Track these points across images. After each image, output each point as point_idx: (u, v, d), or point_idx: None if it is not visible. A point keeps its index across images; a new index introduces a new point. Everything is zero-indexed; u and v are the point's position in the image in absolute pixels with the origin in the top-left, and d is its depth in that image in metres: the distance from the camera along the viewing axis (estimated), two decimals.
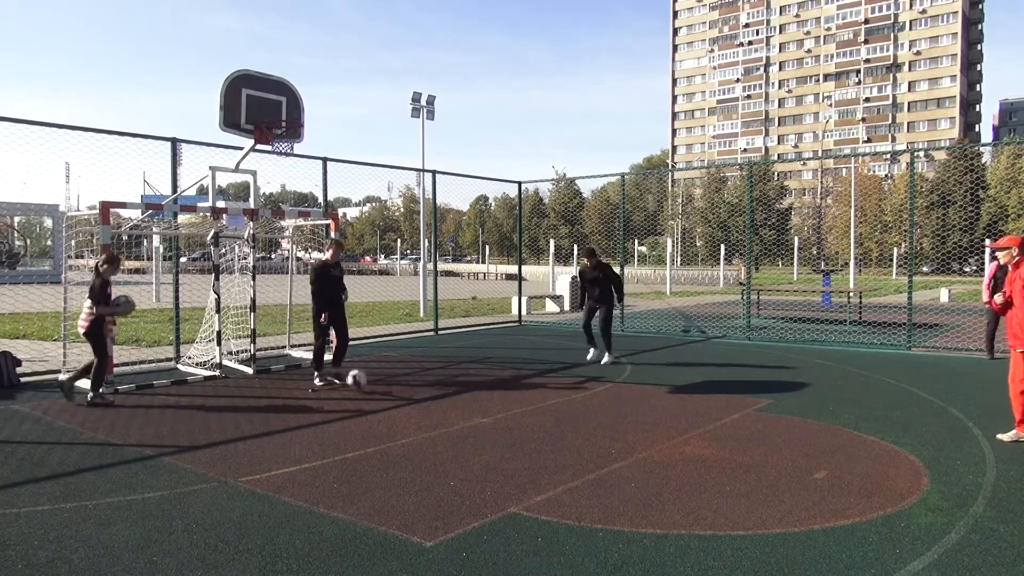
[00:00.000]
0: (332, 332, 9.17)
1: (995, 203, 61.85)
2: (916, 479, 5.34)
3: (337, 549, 4.08)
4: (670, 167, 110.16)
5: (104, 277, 7.97)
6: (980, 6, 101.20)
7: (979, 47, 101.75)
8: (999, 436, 6.59)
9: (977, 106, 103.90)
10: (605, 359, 11.07)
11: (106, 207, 8.59)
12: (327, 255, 9.09)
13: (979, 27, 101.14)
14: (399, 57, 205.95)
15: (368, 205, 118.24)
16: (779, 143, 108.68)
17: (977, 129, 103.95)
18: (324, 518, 4.55)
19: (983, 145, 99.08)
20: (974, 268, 52.33)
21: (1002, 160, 64.73)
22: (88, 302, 7.95)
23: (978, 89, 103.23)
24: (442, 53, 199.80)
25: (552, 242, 30.11)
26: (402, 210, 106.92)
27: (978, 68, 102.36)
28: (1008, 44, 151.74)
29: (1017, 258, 6.57)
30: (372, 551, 4.06)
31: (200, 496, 4.97)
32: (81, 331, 8.03)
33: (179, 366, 10.51)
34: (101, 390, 8.00)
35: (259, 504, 4.81)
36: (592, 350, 11.35)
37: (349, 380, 8.58)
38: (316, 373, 9.04)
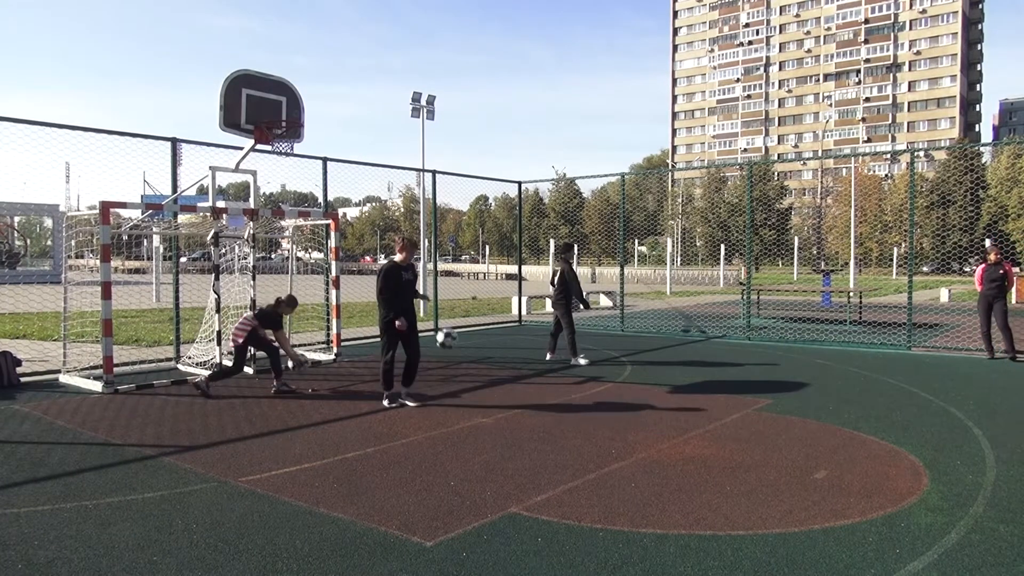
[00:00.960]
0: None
1: (995, 203, 61.86)
2: (916, 479, 5.34)
3: (337, 549, 4.08)
4: (670, 167, 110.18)
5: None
6: (980, 6, 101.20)
7: (979, 47, 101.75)
8: None
9: (977, 106, 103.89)
10: (583, 361, 10.96)
11: (106, 207, 8.59)
12: (398, 256, 8.01)
13: (979, 27, 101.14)
14: (399, 57, 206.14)
15: (368, 205, 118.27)
16: (779, 143, 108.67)
17: (977, 129, 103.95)
18: (324, 518, 4.55)
19: (983, 145, 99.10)
20: (974, 268, 52.33)
21: (1002, 160, 64.73)
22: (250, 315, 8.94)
23: (978, 89, 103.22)
24: (442, 53, 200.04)
25: (552, 242, 30.10)
26: (402, 210, 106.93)
27: (978, 68, 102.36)
28: (1008, 44, 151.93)
29: None
30: (372, 551, 4.06)
31: (200, 496, 4.97)
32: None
33: (179, 366, 10.51)
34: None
35: (259, 504, 4.81)
36: (581, 358, 11.00)
37: (440, 338, 8.87)
38: (385, 394, 7.95)
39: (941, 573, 3.78)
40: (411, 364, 8.02)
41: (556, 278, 11.32)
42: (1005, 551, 4.06)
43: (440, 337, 8.84)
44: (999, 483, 5.27)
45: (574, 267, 11.55)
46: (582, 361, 10.92)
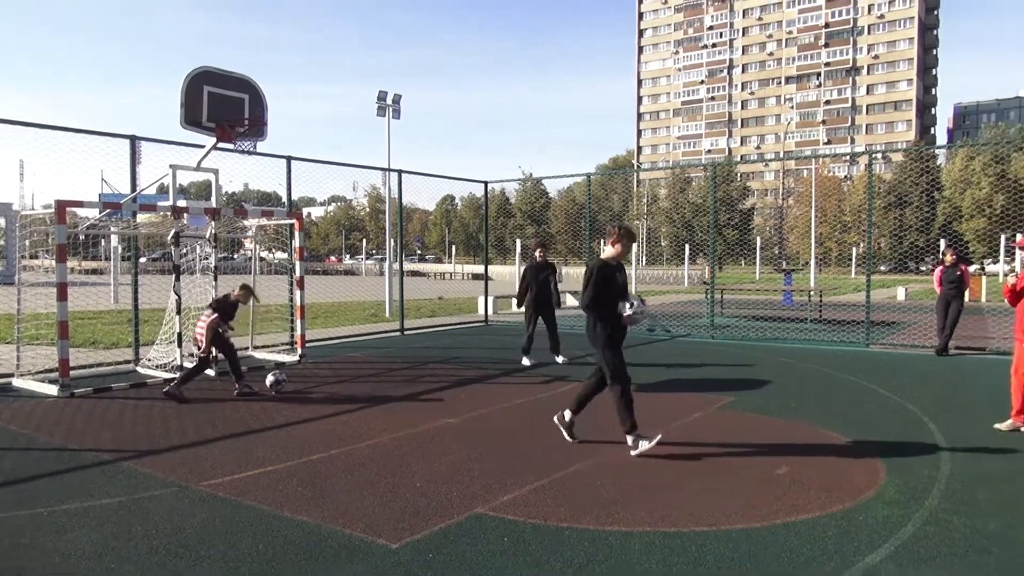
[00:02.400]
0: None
1: (950, 204, 63.48)
2: (874, 473, 5.46)
3: (301, 552, 4.04)
4: (635, 167, 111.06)
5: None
6: (936, 12, 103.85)
7: (935, 52, 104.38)
8: (996, 425, 6.87)
9: (932, 109, 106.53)
10: (561, 360, 11.01)
11: (62, 206, 8.38)
12: (609, 250, 6.45)
13: (934, 32, 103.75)
14: (365, 55, 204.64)
15: (333, 204, 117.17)
16: (742, 144, 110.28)
17: (932, 132, 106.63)
18: (288, 521, 4.50)
19: (938, 147, 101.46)
20: (930, 267, 53.60)
21: (956, 162, 66.46)
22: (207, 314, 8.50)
23: (933, 93, 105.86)
24: (409, 52, 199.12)
25: (519, 242, 30.15)
26: (368, 210, 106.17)
27: (933, 72, 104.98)
28: (962, 49, 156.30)
29: None
30: (337, 554, 4.03)
31: (160, 501, 4.88)
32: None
33: (138, 368, 10.31)
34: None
35: (221, 508, 4.74)
36: (527, 359, 10.89)
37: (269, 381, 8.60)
38: (635, 434, 6.11)
39: (898, 565, 3.87)
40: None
41: (546, 277, 10.93)
42: (958, 542, 4.18)
43: (270, 379, 8.56)
44: (952, 476, 5.41)
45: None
46: (527, 362, 10.83)
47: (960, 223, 60.85)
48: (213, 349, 8.56)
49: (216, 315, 8.43)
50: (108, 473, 5.51)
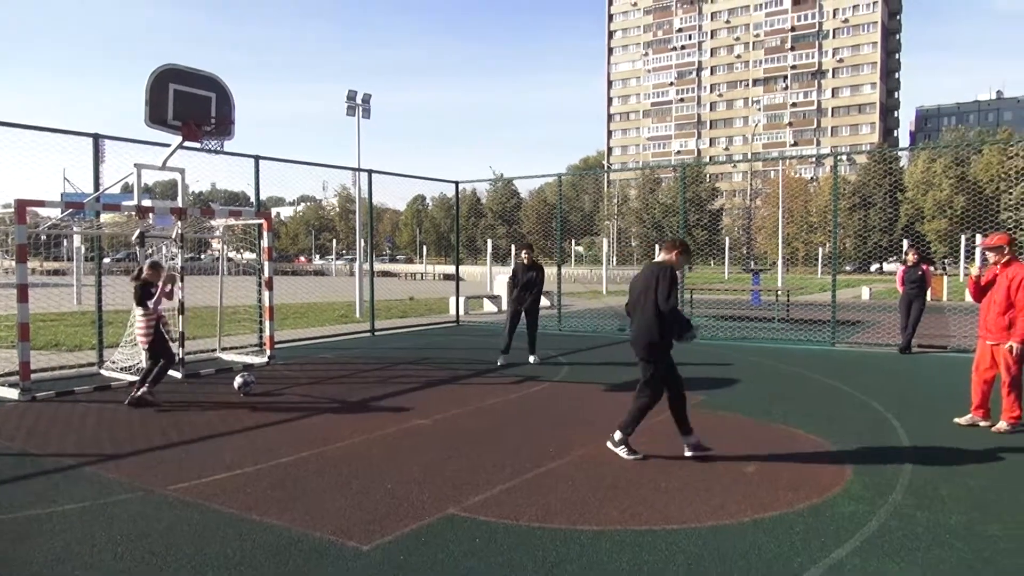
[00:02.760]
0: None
1: (912, 205, 64.85)
2: (840, 470, 5.55)
3: (271, 556, 3.99)
4: (606, 168, 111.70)
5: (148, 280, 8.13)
6: (898, 17, 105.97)
7: (897, 56, 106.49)
8: (956, 420, 7.05)
9: (895, 112, 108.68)
10: (533, 360, 11.07)
11: (22, 205, 8.19)
12: (668, 257, 6.12)
13: (897, 37, 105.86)
14: (335, 55, 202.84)
15: (302, 204, 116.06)
16: (711, 145, 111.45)
17: (895, 134, 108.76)
18: (257, 525, 4.45)
19: (901, 150, 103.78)
20: (891, 267, 54.67)
21: (918, 164, 67.90)
22: (139, 310, 8.08)
23: (896, 96, 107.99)
24: (378, 51, 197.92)
25: (490, 242, 30.15)
26: (337, 210, 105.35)
27: (896, 76, 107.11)
28: (923, 54, 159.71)
29: (1008, 256, 6.86)
30: (307, 557, 3.99)
31: (125, 506, 4.79)
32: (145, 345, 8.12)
33: (102, 371, 10.11)
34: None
35: (188, 512, 4.66)
36: (503, 357, 10.94)
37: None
38: (693, 442, 6.00)
39: (863, 559, 3.94)
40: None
41: (529, 279, 11.05)
42: (921, 536, 4.26)
43: (238, 381, 8.48)
44: (916, 471, 5.53)
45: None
46: (501, 361, 10.90)
47: (922, 224, 62.16)
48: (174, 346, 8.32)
49: (156, 314, 8.09)
50: (71, 478, 5.39)
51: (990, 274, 6.93)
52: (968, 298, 7.11)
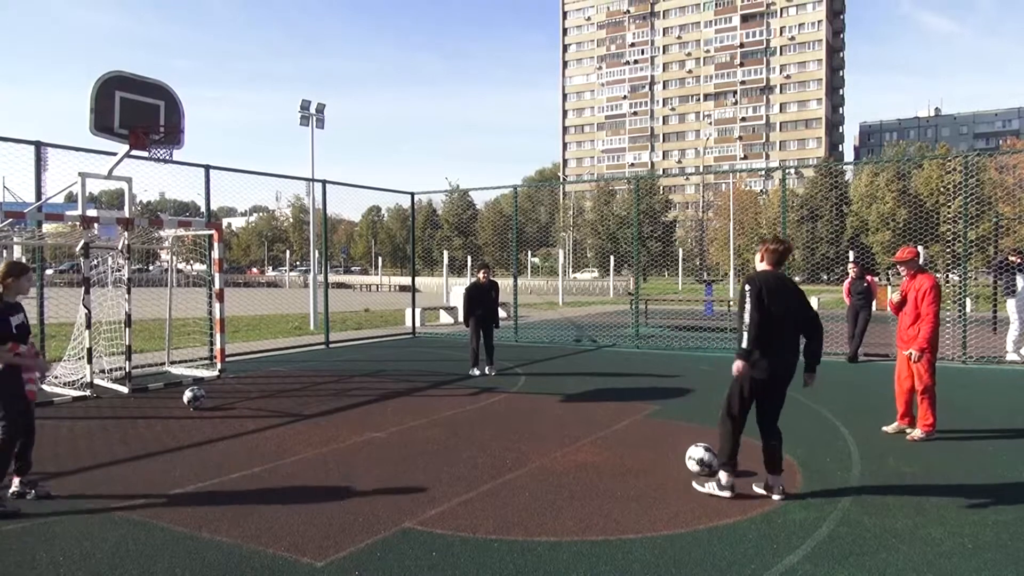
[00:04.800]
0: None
1: (857, 217, 66.73)
2: (791, 477, 5.65)
3: (221, 575, 3.89)
4: (561, 180, 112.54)
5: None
6: (842, 36, 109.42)
7: (841, 73, 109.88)
8: (884, 428, 7.26)
9: (840, 128, 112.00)
10: (492, 371, 11.15)
11: None
12: (762, 264, 5.41)
13: (841, 55, 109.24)
14: (287, 63, 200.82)
15: (255, 215, 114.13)
16: (664, 158, 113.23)
17: (840, 149, 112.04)
18: (207, 543, 4.34)
19: (846, 164, 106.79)
20: (837, 278, 56.14)
21: (862, 178, 69.97)
22: None
23: (841, 112, 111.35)
24: (332, 61, 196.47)
25: (446, 253, 30.08)
26: (291, 220, 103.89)
27: (840, 92, 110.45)
28: (865, 72, 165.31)
29: (914, 269, 7.12)
30: (259, 574, 3.90)
31: (68, 526, 4.62)
32: None
33: (44, 386, 9.75)
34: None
35: (135, 531, 4.52)
36: (475, 369, 11.16)
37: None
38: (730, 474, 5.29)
39: (814, 564, 4.02)
40: None
41: (485, 295, 11.37)
42: (869, 541, 4.37)
43: (187, 395, 8.37)
44: (863, 478, 5.67)
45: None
46: (476, 372, 11.10)
47: (867, 235, 64.01)
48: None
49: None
50: (10, 498, 5.17)
51: (905, 288, 7.22)
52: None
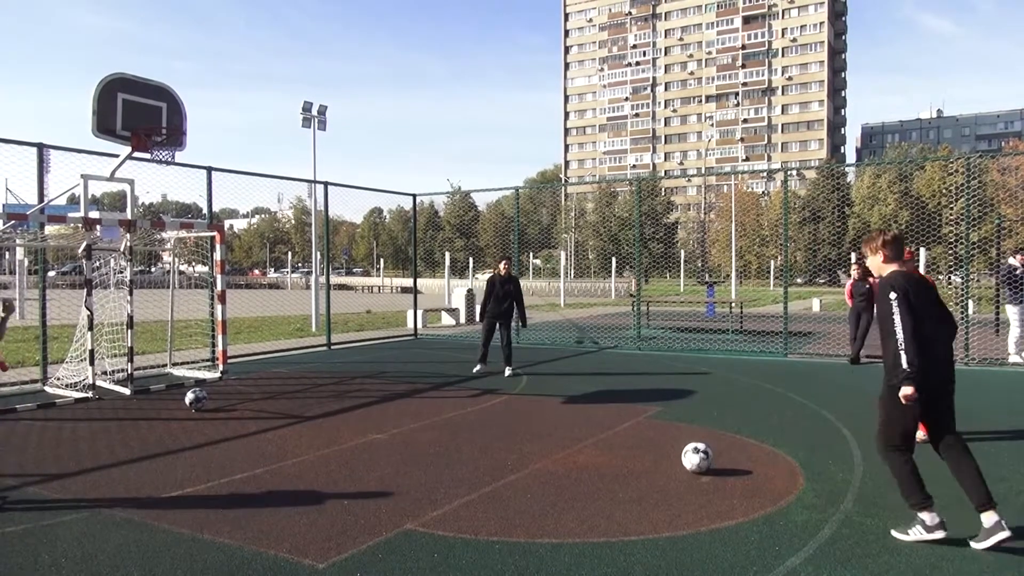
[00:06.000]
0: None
1: (859, 219, 66.72)
2: (793, 479, 5.65)
3: None
4: (563, 182, 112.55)
5: None
6: (843, 37, 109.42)
7: (843, 75, 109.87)
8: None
9: (842, 129, 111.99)
10: (509, 372, 11.09)
11: None
12: (890, 264, 4.70)
13: (842, 56, 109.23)
14: (289, 65, 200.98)
15: (257, 216, 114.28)
16: (666, 160, 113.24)
17: (842, 150, 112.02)
18: (209, 544, 4.34)
19: (848, 166, 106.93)
20: (842, 281, 56.04)
21: (864, 180, 70.01)
22: None
23: (843, 113, 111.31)
24: (334, 63, 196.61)
25: (447, 255, 30.08)
26: (293, 222, 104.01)
27: (843, 94, 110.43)
28: (867, 73, 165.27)
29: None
30: None
31: (70, 527, 4.63)
32: None
33: (47, 388, 9.77)
34: None
35: (137, 533, 4.52)
36: (480, 365, 11.19)
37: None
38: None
39: (816, 567, 4.02)
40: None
41: (506, 291, 11.12)
42: (871, 543, 4.36)
43: (190, 396, 8.36)
44: (865, 479, 5.66)
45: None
46: (514, 371, 11.13)
47: None
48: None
49: None
50: (12, 499, 5.19)
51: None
52: None
